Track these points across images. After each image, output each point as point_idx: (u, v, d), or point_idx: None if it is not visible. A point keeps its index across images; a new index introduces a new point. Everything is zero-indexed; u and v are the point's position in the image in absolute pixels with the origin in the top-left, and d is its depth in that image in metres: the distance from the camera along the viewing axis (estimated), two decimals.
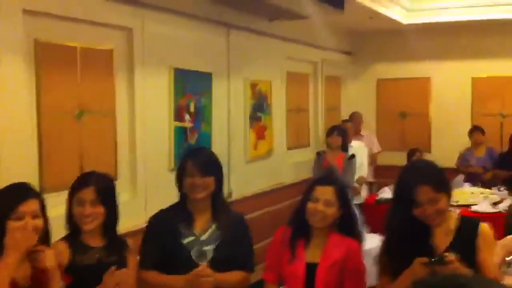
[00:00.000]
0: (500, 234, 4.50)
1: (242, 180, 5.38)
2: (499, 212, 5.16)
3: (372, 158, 7.11)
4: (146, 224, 2.71)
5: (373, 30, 7.77)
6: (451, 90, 7.94)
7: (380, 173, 7.31)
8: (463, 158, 6.97)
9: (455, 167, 6.88)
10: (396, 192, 2.30)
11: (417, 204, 2.14)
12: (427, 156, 6.85)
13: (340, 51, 8.00)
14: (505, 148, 7.06)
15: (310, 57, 7.06)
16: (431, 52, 7.85)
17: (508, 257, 2.20)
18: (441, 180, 2.20)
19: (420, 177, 2.17)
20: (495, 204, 5.48)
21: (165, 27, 4.38)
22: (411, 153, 6.90)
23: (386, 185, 6.44)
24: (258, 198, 5.67)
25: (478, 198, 5.61)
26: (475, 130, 7.03)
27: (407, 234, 2.19)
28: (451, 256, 2.00)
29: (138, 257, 2.58)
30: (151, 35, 4.21)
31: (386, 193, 6.05)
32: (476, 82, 7.86)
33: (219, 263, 2.48)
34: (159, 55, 4.32)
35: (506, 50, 7.58)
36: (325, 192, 2.57)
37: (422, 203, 2.13)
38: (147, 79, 4.20)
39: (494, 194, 5.84)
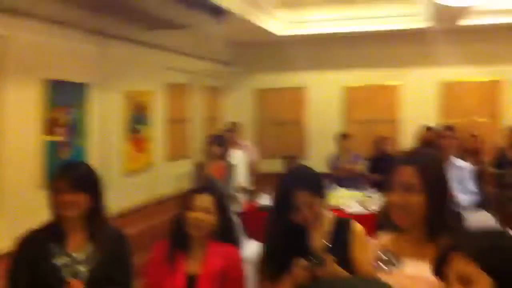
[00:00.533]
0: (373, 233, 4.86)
1: (120, 195, 5.22)
2: (371, 213, 5.52)
3: (252, 166, 7.25)
4: (14, 247, 2.53)
5: (251, 41, 7.98)
6: (325, 98, 8.37)
7: (260, 180, 7.48)
8: (331, 163, 7.24)
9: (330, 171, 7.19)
10: (275, 198, 2.35)
11: (295, 209, 2.20)
12: (302, 162, 7.13)
13: (219, 62, 8.10)
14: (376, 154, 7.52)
15: (190, 67, 7.07)
16: (306, 63, 8.22)
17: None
18: (317, 185, 2.28)
19: (297, 182, 2.23)
20: (367, 206, 5.84)
21: (36, 35, 4.15)
22: (287, 160, 7.16)
23: (265, 192, 6.61)
24: (138, 213, 5.55)
25: (351, 201, 5.93)
26: (342, 137, 7.35)
27: (285, 239, 2.24)
28: (329, 257, 2.08)
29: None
30: (21, 44, 3.97)
31: (265, 199, 6.23)
32: (348, 91, 8.36)
33: (94, 284, 2.37)
34: (29, 65, 4.09)
35: (376, 60, 8.13)
36: (204, 201, 2.57)
37: (300, 207, 2.19)
38: (16, 90, 3.95)
39: (366, 196, 6.21)
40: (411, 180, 1.71)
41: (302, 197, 2.20)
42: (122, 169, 5.42)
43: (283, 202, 2.24)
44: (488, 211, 4.94)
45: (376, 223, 3.49)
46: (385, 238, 1.90)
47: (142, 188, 5.75)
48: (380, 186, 6.74)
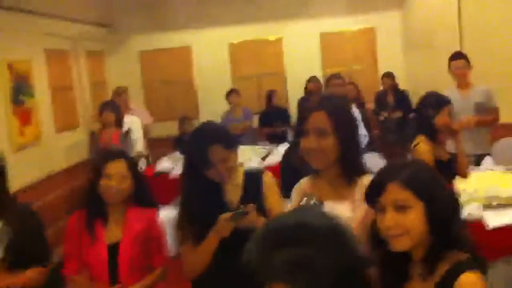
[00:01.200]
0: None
1: (13, 172, 4.90)
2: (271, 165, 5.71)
3: (145, 130, 7.14)
4: None
5: (131, 1, 7.71)
6: (211, 56, 8.37)
7: (153, 144, 7.39)
8: (224, 121, 7.26)
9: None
10: (188, 157, 2.34)
11: (209, 164, 2.21)
12: (196, 122, 7.14)
13: (99, 25, 7.75)
14: (263, 107, 7.72)
15: (69, 32, 6.69)
16: (190, 21, 8.12)
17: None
18: (229, 139, 2.30)
19: (211, 138, 2.22)
20: (264, 158, 6.03)
21: None
22: (181, 121, 7.13)
23: (164, 155, 6.57)
24: (33, 189, 5.27)
25: (250, 156, 6.06)
26: (231, 93, 7.35)
27: (203, 196, 2.25)
28: (250, 207, 2.15)
29: None
30: None
31: (165, 163, 6.19)
32: (232, 47, 8.42)
33: (12, 261, 2.29)
34: None
35: (258, 15, 8.22)
36: (117, 167, 2.54)
37: (215, 162, 2.20)
38: None
39: (262, 149, 6.41)
40: (323, 125, 1.80)
41: (216, 153, 2.20)
42: (11, 144, 5.09)
43: (198, 159, 2.24)
44: (375, 153, 5.35)
45: (280, 168, 3.62)
46: (304, 183, 2.00)
47: (34, 163, 5.46)
48: (274, 138, 7.00)
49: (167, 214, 3.08)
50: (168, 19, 8.00)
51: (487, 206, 3.36)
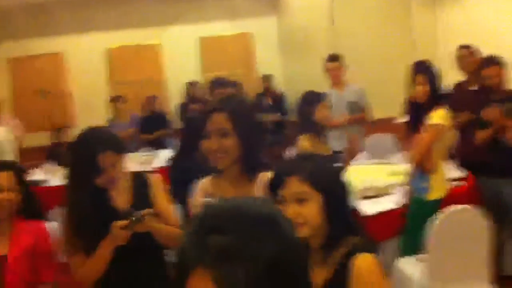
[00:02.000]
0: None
1: None
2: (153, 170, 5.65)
3: (17, 142, 6.70)
4: None
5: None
6: (87, 63, 8.06)
7: (26, 155, 6.94)
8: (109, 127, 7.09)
9: None
10: (75, 164, 2.23)
11: (99, 171, 2.14)
12: (73, 131, 6.87)
13: None
14: (143, 113, 7.58)
15: None
16: (63, 27, 7.77)
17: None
18: (118, 144, 2.24)
19: (101, 144, 2.16)
20: (144, 163, 5.92)
21: None
22: (55, 131, 6.84)
23: (36, 167, 6.25)
24: None
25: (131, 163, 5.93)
26: (116, 99, 7.10)
27: (92, 204, 2.18)
28: (146, 212, 2.11)
29: None
30: None
31: (37, 174, 5.91)
32: (110, 53, 8.18)
33: None
34: None
35: (136, 20, 8.06)
36: (5, 178, 2.40)
37: (105, 168, 2.14)
38: None
39: (142, 156, 6.30)
40: (224, 125, 1.84)
41: (107, 158, 2.14)
42: None
43: (86, 166, 2.15)
44: None
45: (169, 175, 3.58)
46: (205, 183, 2.02)
47: None
48: (155, 144, 6.89)
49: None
50: (40, 24, 7.57)
51: (363, 197, 3.59)
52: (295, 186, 1.53)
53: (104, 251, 2.12)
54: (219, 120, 1.84)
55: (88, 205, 2.17)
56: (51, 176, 5.52)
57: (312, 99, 3.37)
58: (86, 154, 2.16)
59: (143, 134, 7.23)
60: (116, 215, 2.16)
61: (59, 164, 6.06)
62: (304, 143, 3.27)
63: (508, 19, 5.13)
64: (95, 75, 8.10)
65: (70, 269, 2.19)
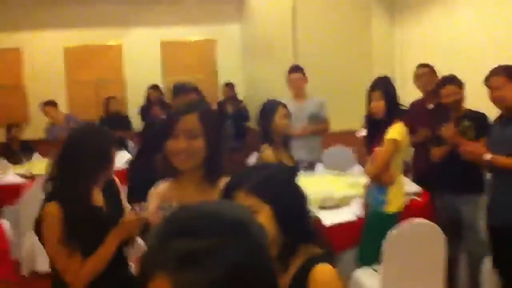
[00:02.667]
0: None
1: None
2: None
3: None
4: None
5: None
6: (43, 60, 7.87)
7: None
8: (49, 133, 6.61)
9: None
10: (85, 158, 2.17)
11: (111, 164, 2.27)
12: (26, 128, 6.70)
13: None
14: (102, 114, 7.45)
15: None
16: (21, 22, 7.56)
17: None
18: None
19: (112, 138, 2.34)
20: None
21: None
22: (9, 127, 6.64)
23: None
24: None
25: None
26: (47, 105, 6.66)
27: (83, 203, 2.16)
28: (143, 205, 2.11)
29: None
30: None
31: None
32: (68, 51, 8.01)
33: None
34: None
35: (96, 19, 7.94)
36: None
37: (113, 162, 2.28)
38: None
39: None
40: (194, 127, 1.84)
41: (114, 152, 2.30)
42: None
43: (100, 158, 2.22)
44: None
45: (128, 176, 3.53)
46: (162, 187, 2.00)
47: None
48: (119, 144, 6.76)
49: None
50: None
51: (322, 207, 3.63)
52: (242, 200, 1.51)
53: (111, 247, 2.12)
54: (191, 121, 1.84)
55: (81, 205, 2.12)
56: (3, 174, 5.34)
57: (272, 107, 3.39)
58: (101, 147, 2.21)
59: None
60: (102, 213, 2.19)
61: (11, 162, 5.90)
62: (266, 152, 3.28)
63: (463, 38, 5.31)
64: (52, 73, 7.92)
65: (59, 271, 2.09)
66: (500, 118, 3.43)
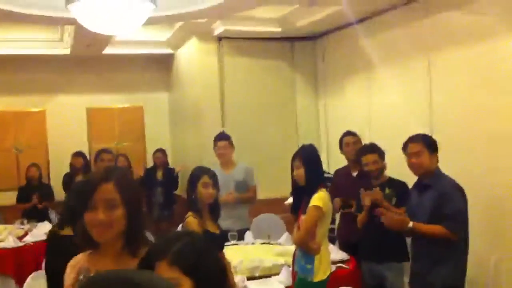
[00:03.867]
0: (30, 267, 4.66)
1: None
2: (26, 244, 5.28)
3: None
4: None
5: None
6: None
7: None
8: None
9: None
10: None
11: None
12: None
13: None
14: (23, 182, 7.13)
15: None
16: None
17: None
18: None
19: None
20: (21, 238, 5.50)
21: None
22: None
23: None
24: None
25: (3, 235, 5.50)
26: None
27: None
28: None
29: None
30: None
31: None
32: None
33: None
34: None
35: (20, 86, 7.74)
36: None
37: None
38: None
39: (18, 228, 5.85)
40: (113, 196, 1.77)
41: None
42: None
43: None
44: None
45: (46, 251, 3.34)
46: (80, 259, 1.90)
47: None
48: (33, 215, 6.43)
49: None
50: None
51: (251, 277, 3.56)
52: (164, 272, 1.43)
53: None
54: (107, 191, 1.78)
55: None
56: None
57: (197, 175, 3.35)
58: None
59: (20, 203, 6.77)
60: None
61: None
62: (191, 220, 3.22)
63: (383, 108, 5.58)
64: None
65: None
66: (417, 184, 3.58)
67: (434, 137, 3.64)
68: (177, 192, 7.35)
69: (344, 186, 4.37)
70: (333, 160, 4.93)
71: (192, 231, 2.57)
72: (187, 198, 3.41)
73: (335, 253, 3.95)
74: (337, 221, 4.61)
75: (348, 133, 4.66)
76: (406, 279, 3.69)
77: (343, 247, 4.20)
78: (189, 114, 7.40)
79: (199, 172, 3.43)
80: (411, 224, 3.29)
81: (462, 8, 4.39)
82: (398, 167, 3.70)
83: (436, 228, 3.26)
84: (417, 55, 5.00)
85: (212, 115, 6.67)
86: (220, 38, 6.67)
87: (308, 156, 3.50)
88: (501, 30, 4.04)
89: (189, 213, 3.31)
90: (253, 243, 4.55)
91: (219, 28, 6.36)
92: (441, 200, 3.32)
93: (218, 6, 4.82)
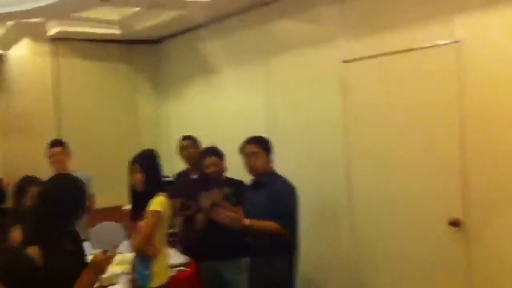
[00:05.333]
0: None
1: None
2: None
3: None
4: None
5: None
6: None
7: None
8: None
9: None
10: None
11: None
12: None
13: None
14: None
15: None
16: None
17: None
18: None
19: None
20: None
21: None
22: None
23: None
24: None
25: None
26: None
27: None
28: None
29: None
30: None
31: None
32: None
33: None
34: None
35: None
36: None
37: None
38: None
39: None
40: None
41: None
42: None
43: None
44: None
45: None
46: None
47: None
48: None
49: None
50: None
51: None
52: None
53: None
54: None
55: None
56: None
57: (25, 184, 3.12)
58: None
59: None
60: None
61: None
62: (15, 233, 2.96)
63: (223, 114, 5.66)
64: None
65: None
66: (253, 183, 3.68)
67: (271, 138, 3.76)
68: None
69: (185, 188, 4.34)
70: (176, 164, 4.87)
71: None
72: (11, 210, 3.16)
73: (176, 257, 3.91)
74: (178, 225, 4.56)
75: (186, 137, 4.68)
76: (244, 276, 3.76)
77: (184, 250, 4.16)
78: (20, 121, 6.83)
79: (26, 183, 3.22)
80: (247, 221, 3.37)
81: (297, 16, 4.61)
82: (239, 168, 3.76)
83: (270, 225, 3.36)
84: (256, 60, 5.14)
85: (45, 121, 6.25)
86: (55, 39, 6.28)
87: (146, 161, 3.48)
88: (330, 37, 4.30)
89: (15, 226, 3.07)
90: (92, 254, 4.31)
91: (54, 29, 5.99)
92: (275, 198, 3.44)
93: (52, 5, 4.52)
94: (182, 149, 4.60)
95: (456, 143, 3.38)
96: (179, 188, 4.37)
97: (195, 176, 4.42)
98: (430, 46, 3.52)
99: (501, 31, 3.13)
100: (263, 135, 3.80)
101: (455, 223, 3.42)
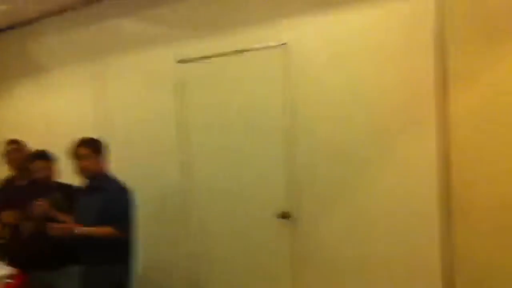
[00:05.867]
0: None
1: None
2: None
3: None
4: None
5: None
6: None
7: None
8: None
9: None
10: None
11: None
12: None
13: None
14: None
15: None
16: None
17: None
18: None
19: None
20: None
21: None
22: None
23: None
24: None
25: None
26: None
27: None
28: None
29: None
30: None
31: None
32: None
33: None
34: None
35: None
36: None
37: None
38: None
39: None
40: None
41: None
42: None
43: None
44: None
45: None
46: None
47: None
48: None
49: None
50: None
51: None
52: None
53: None
54: None
55: None
56: None
57: None
58: None
59: None
60: None
61: None
62: None
63: (55, 115, 5.36)
64: None
65: None
66: (86, 187, 3.55)
67: (107, 139, 3.65)
68: None
69: (11, 197, 4.02)
70: (2, 170, 4.50)
71: None
72: None
73: (2, 269, 3.63)
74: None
75: (11, 141, 4.33)
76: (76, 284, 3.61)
77: (10, 261, 3.87)
78: None
79: None
80: (78, 230, 3.25)
81: (134, 15, 4.53)
82: (71, 172, 3.59)
83: (104, 230, 3.27)
84: (91, 59, 4.95)
85: None
86: None
87: None
88: (166, 37, 4.29)
89: None
90: None
91: None
92: (108, 201, 3.35)
93: None
94: (7, 153, 4.25)
95: (283, 139, 3.59)
96: (6, 197, 4.05)
97: (23, 183, 4.11)
98: (261, 48, 3.70)
99: (315, 36, 3.45)
100: (96, 136, 3.67)
101: (284, 216, 3.62)
